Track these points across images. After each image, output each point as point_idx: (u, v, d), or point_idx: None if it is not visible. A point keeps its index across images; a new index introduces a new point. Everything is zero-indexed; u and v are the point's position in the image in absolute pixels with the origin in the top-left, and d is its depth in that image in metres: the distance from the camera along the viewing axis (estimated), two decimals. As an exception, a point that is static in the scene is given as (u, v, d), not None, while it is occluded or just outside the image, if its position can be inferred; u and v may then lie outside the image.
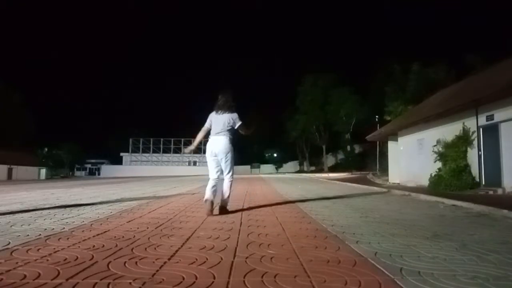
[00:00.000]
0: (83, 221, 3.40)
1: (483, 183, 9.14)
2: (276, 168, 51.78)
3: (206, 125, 4.25)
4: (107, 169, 52.12)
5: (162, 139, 54.85)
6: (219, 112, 4.18)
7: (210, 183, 4.12)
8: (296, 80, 44.20)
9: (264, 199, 6.11)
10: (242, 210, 4.42)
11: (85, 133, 65.42)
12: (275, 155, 53.43)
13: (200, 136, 4.32)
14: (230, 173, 4.18)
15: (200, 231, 2.95)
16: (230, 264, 1.95)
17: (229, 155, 4.11)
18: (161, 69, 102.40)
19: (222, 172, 4.20)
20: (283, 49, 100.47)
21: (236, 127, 4.20)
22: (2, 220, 3.44)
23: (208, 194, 4.06)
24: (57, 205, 5.00)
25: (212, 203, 4.04)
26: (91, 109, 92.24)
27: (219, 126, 4.14)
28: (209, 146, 4.17)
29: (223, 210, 4.07)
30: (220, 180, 4.19)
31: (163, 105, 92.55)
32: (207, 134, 4.29)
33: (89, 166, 66.32)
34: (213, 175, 4.15)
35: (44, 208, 4.58)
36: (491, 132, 8.93)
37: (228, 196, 4.17)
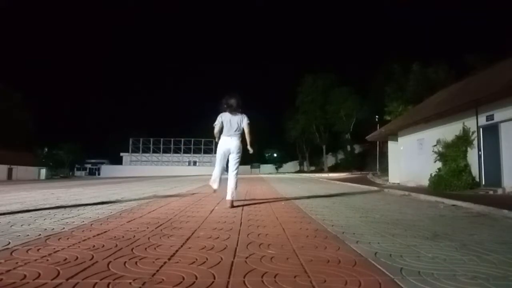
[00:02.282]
0: (83, 221, 3.39)
1: (483, 183, 9.14)
2: (276, 168, 51.81)
3: (219, 123, 4.55)
4: (107, 169, 52.13)
5: (162, 139, 54.88)
6: (232, 113, 4.55)
7: (216, 173, 4.63)
8: (296, 80, 44.26)
9: (264, 199, 6.11)
10: (242, 210, 4.42)
11: (85, 133, 65.56)
12: (275, 155, 53.47)
13: (216, 130, 4.60)
14: (237, 171, 4.60)
15: (200, 231, 2.95)
16: (230, 264, 1.95)
17: (240, 154, 4.57)
18: (162, 69, 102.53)
19: (226, 170, 4.65)
20: (283, 49, 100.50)
21: (243, 125, 4.56)
22: (2, 220, 3.44)
23: (215, 183, 4.71)
24: (57, 205, 4.99)
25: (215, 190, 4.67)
26: (91, 109, 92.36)
27: (233, 127, 4.52)
28: (223, 145, 4.55)
29: (232, 204, 4.52)
30: (224, 177, 4.69)
31: (163, 105, 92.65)
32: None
33: (89, 166, 66.35)
34: (219, 168, 4.62)
35: (44, 208, 4.58)
36: (491, 132, 8.93)
37: (235, 189, 4.57)
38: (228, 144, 4.51)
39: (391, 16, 75.43)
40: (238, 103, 4.57)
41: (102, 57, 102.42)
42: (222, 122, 4.54)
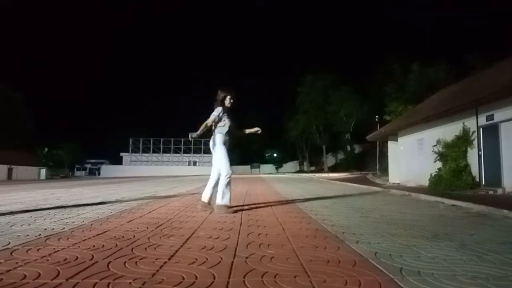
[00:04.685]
0: (83, 221, 3.39)
1: (483, 183, 9.14)
2: (276, 168, 51.76)
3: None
4: (107, 169, 52.07)
5: (162, 139, 54.82)
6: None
7: (209, 183, 4.22)
8: (296, 80, 44.21)
9: (264, 199, 6.11)
10: (242, 210, 4.41)
11: (85, 133, 65.57)
12: (275, 155, 53.42)
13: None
14: (223, 171, 3.98)
15: (200, 231, 2.95)
16: (230, 264, 1.95)
17: (218, 151, 4.03)
18: (161, 69, 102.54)
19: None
20: (283, 49, 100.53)
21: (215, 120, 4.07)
22: (2, 220, 3.44)
23: (204, 194, 4.22)
24: (57, 205, 4.99)
25: (208, 203, 4.17)
26: (91, 109, 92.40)
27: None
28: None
29: (221, 209, 3.97)
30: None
31: (163, 105, 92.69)
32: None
33: (89, 166, 66.31)
34: (212, 173, 4.22)
35: (44, 208, 4.58)
36: (491, 132, 8.93)
37: (225, 195, 3.97)
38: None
39: (391, 16, 75.53)
40: (217, 97, 4.16)
41: (102, 57, 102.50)
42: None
